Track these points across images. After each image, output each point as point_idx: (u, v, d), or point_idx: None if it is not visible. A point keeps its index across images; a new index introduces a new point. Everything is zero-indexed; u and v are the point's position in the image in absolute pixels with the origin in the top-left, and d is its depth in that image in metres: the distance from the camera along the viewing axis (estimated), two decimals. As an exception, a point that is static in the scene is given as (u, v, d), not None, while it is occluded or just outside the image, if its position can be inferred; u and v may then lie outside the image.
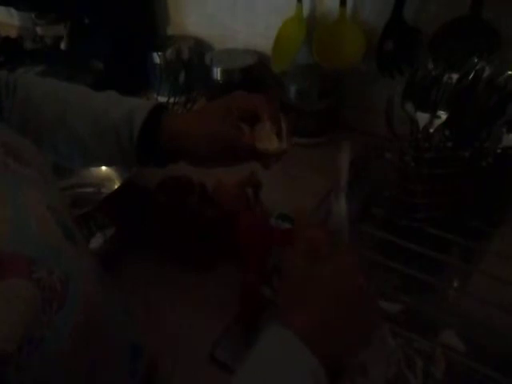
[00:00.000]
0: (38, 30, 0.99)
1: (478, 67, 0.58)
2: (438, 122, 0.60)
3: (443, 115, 0.60)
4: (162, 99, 1.02)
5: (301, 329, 0.35)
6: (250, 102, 0.53)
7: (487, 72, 0.58)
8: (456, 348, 0.49)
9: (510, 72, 0.58)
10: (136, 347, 0.44)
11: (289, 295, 0.39)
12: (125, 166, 0.69)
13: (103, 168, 0.77)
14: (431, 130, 0.60)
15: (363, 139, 0.88)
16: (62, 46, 0.99)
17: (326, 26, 0.83)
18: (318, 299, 0.37)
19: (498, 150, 0.59)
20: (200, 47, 1.05)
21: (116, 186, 0.72)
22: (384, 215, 0.72)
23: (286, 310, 0.37)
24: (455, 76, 0.59)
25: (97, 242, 0.59)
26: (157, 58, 1.00)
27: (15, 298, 0.26)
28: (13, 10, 1.28)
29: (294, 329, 0.34)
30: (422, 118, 0.60)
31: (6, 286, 0.26)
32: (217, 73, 0.94)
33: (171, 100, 0.98)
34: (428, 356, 0.49)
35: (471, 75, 0.58)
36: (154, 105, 0.52)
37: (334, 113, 0.88)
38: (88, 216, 0.57)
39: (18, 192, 0.31)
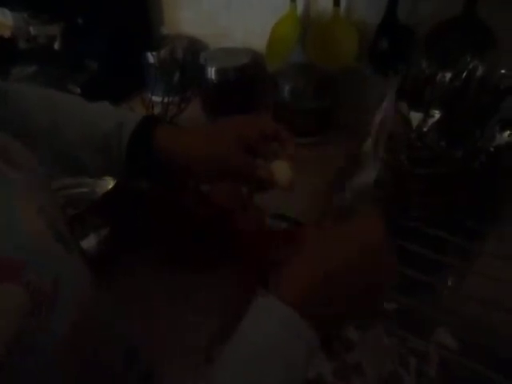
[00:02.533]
0: (32, 29, 0.99)
1: (471, 66, 0.58)
2: (431, 121, 0.60)
3: (437, 114, 0.60)
4: (157, 99, 1.01)
5: (301, 292, 0.35)
6: (265, 130, 0.52)
7: (480, 71, 0.58)
8: (449, 346, 0.49)
9: (502, 71, 0.58)
10: (131, 348, 0.44)
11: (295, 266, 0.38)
12: (116, 177, 0.67)
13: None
14: (425, 129, 0.60)
15: (357, 138, 0.88)
16: (56, 45, 0.99)
17: (320, 25, 0.83)
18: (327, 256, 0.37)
19: (491, 149, 0.59)
20: (194, 46, 1.05)
21: (110, 186, 0.72)
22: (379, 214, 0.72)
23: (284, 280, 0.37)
24: (448, 75, 0.59)
25: (90, 242, 0.59)
26: (151, 57, 1.00)
27: (3, 302, 0.26)
28: (6, 10, 1.27)
29: (291, 297, 0.35)
30: (416, 117, 0.60)
31: None
32: (211, 72, 0.94)
33: (165, 99, 0.98)
34: (422, 355, 0.49)
35: (464, 74, 0.58)
36: (145, 116, 0.52)
37: (328, 112, 0.89)
38: (82, 216, 0.57)
39: (7, 195, 0.31)
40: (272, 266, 0.60)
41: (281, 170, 0.52)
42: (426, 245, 0.63)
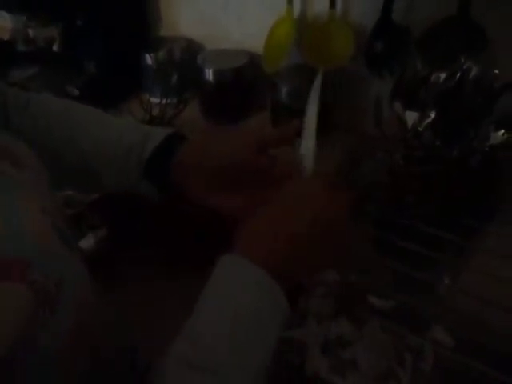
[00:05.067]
0: (30, 32, 0.99)
1: (465, 66, 0.59)
2: (426, 121, 0.61)
3: (432, 114, 0.60)
4: (155, 100, 1.02)
5: (260, 252, 0.37)
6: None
7: (474, 71, 0.58)
8: (445, 343, 0.50)
9: (496, 71, 0.59)
10: (132, 348, 0.45)
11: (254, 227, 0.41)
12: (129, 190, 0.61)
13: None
14: (420, 129, 0.61)
15: (354, 139, 0.89)
16: (55, 47, 0.99)
17: (316, 26, 0.84)
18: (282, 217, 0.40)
19: (486, 149, 0.60)
20: (192, 48, 1.06)
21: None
22: (376, 213, 0.72)
23: (246, 240, 0.40)
24: (443, 75, 0.59)
25: (88, 242, 0.59)
26: (149, 59, 1.00)
27: (8, 301, 0.27)
28: (5, 13, 1.28)
29: (252, 254, 0.37)
30: (411, 117, 0.61)
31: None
32: (208, 73, 0.95)
33: (163, 101, 0.99)
34: (417, 351, 0.50)
35: (458, 74, 0.59)
36: (172, 132, 0.51)
37: (325, 113, 0.89)
38: (79, 216, 0.57)
39: (12, 196, 0.32)
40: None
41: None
42: (422, 242, 0.63)
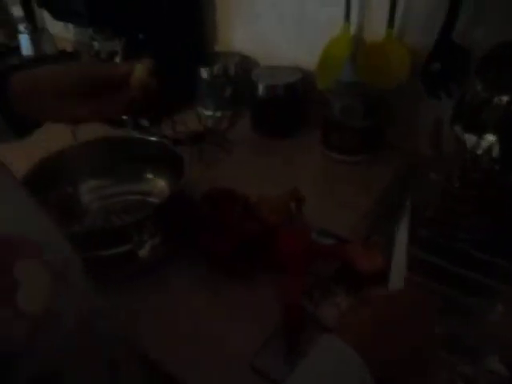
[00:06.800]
0: (95, 44, 1.05)
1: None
2: (485, 144, 0.60)
3: (491, 138, 0.59)
4: (208, 113, 1.05)
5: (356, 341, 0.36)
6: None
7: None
8: (500, 373, 0.48)
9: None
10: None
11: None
12: None
13: (154, 177, 0.80)
14: (479, 152, 0.60)
15: (406, 158, 0.88)
16: (117, 59, 1.04)
17: (372, 44, 0.84)
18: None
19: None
20: (246, 63, 1.08)
21: (164, 196, 0.75)
22: (427, 236, 0.71)
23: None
24: (505, 98, 0.58)
25: (145, 249, 0.62)
26: (204, 73, 1.04)
27: (32, 276, 0.29)
28: (69, 25, 1.36)
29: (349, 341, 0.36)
30: (470, 139, 0.60)
31: (21, 265, 0.28)
32: (261, 88, 0.97)
33: (216, 114, 1.02)
34: (470, 380, 0.49)
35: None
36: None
37: (378, 131, 0.89)
38: (140, 223, 0.59)
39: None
40: (315, 281, 0.61)
41: (137, 70, 0.52)
42: (476, 268, 0.62)
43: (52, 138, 0.72)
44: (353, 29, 0.87)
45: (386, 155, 0.90)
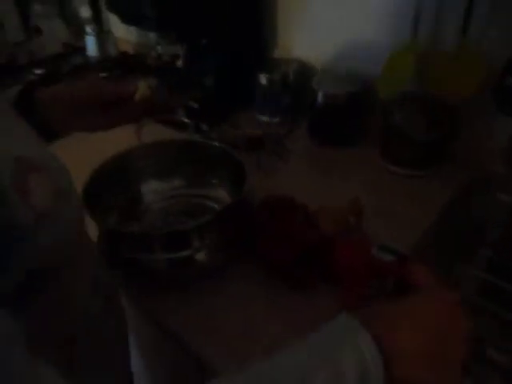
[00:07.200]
0: (159, 48, 1.08)
1: None
2: None
3: None
4: (264, 118, 1.06)
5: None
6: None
7: None
8: None
9: None
10: None
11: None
12: None
13: (215, 182, 0.81)
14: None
15: (469, 174, 0.84)
16: (179, 63, 1.07)
17: (443, 55, 0.82)
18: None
19: None
20: (305, 70, 1.08)
21: (223, 201, 0.76)
22: (491, 256, 0.69)
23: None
24: None
25: (204, 253, 0.63)
26: (263, 79, 1.04)
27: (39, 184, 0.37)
28: (131, 28, 1.41)
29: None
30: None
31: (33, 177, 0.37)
32: (321, 96, 0.96)
33: (273, 120, 1.02)
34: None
35: None
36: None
37: (442, 145, 0.86)
38: (203, 227, 0.60)
39: None
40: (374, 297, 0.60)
41: (141, 87, 0.66)
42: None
43: (118, 139, 0.75)
44: (420, 39, 0.84)
45: (448, 169, 0.87)
